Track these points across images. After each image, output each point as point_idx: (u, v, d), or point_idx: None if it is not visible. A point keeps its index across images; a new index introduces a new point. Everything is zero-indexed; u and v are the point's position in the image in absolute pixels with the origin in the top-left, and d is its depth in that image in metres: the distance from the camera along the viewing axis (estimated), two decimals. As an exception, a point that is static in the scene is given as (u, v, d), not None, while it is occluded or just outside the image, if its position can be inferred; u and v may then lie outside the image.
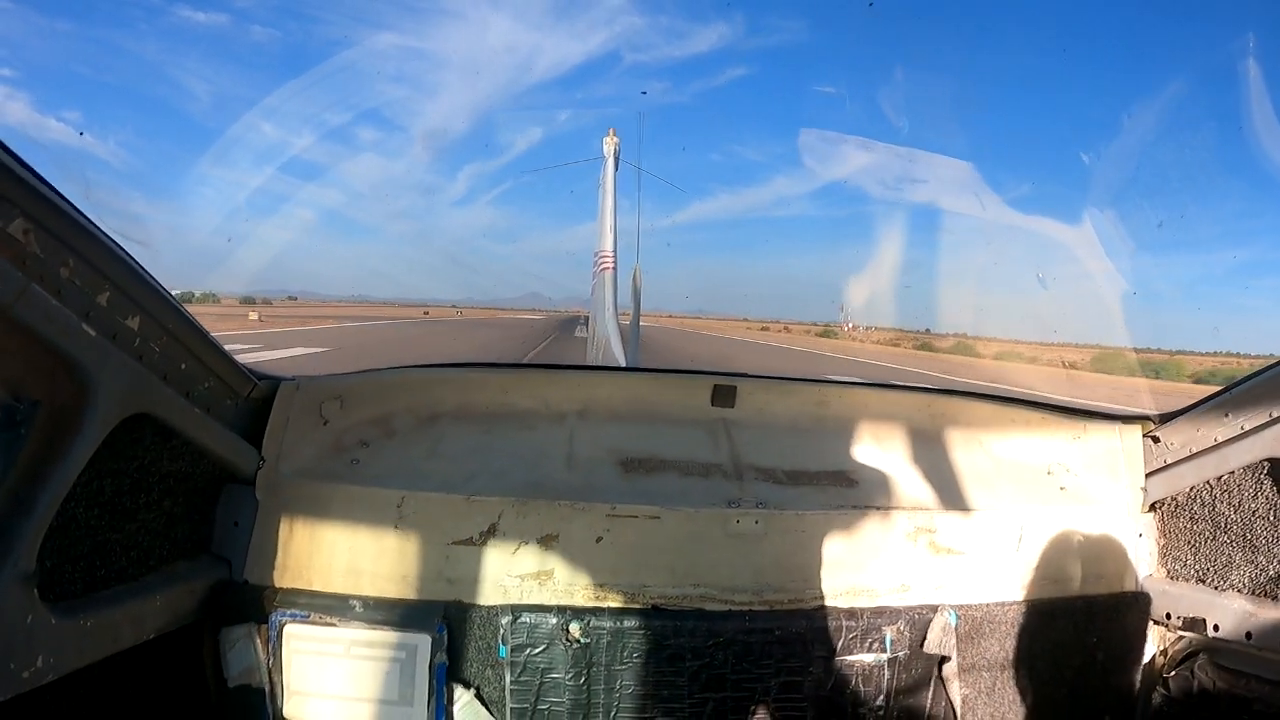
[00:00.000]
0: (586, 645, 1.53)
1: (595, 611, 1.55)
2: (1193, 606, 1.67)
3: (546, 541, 1.56)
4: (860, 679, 1.62)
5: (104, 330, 1.10)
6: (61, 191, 0.99)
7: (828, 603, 1.62)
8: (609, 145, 7.20)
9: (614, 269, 6.49)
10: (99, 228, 1.06)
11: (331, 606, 1.51)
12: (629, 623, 1.54)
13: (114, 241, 1.09)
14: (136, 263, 1.14)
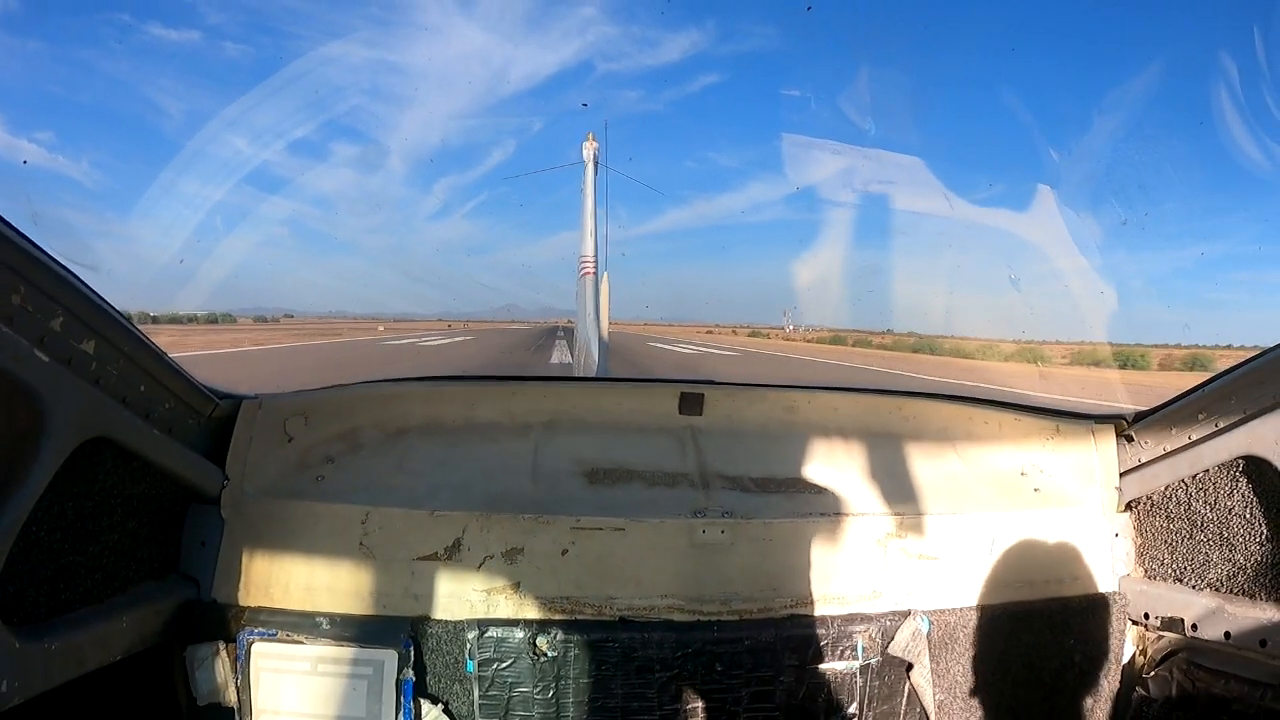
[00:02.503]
0: (554, 659, 1.53)
1: (562, 624, 1.55)
2: (1170, 606, 1.65)
3: (511, 555, 1.56)
4: (832, 687, 1.61)
5: (58, 355, 1.11)
6: (8, 219, 1.00)
7: (797, 611, 1.61)
8: (588, 150, 7.26)
9: (595, 274, 6.54)
10: (48, 254, 1.07)
11: (298, 624, 1.51)
12: (596, 635, 1.54)
13: (64, 267, 1.10)
14: (89, 287, 1.15)
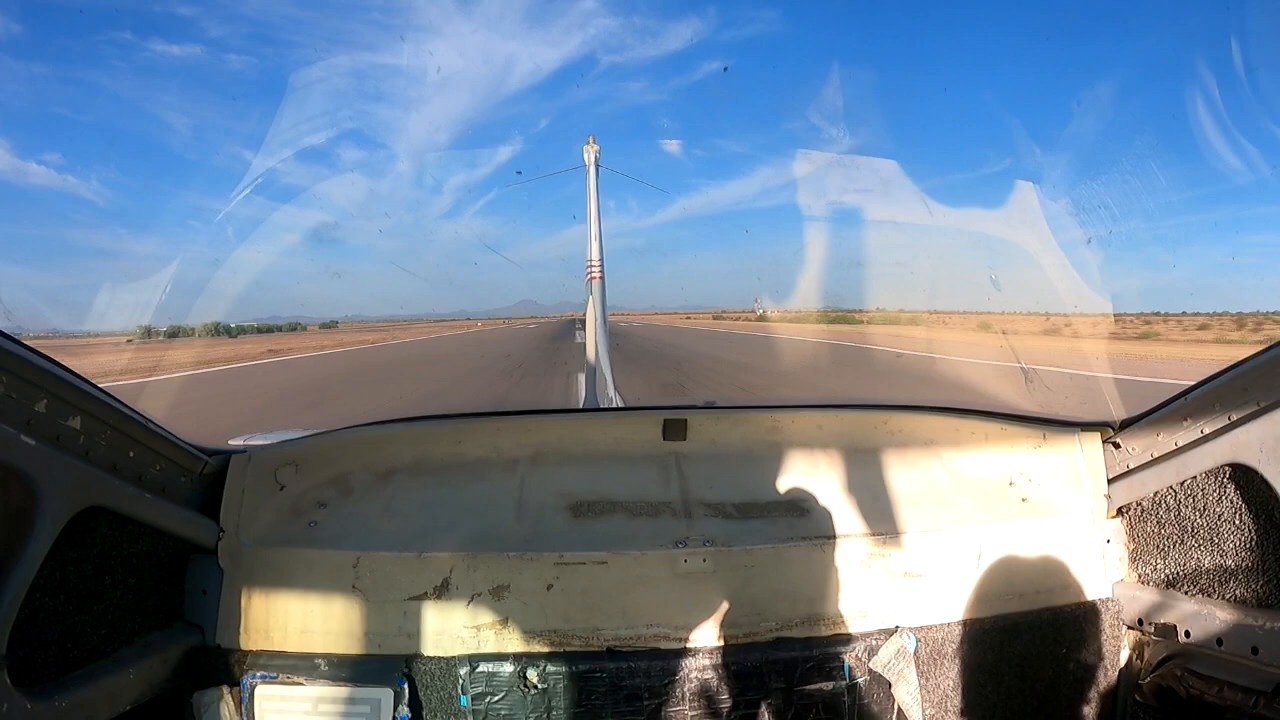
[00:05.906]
0: (544, 690, 1.57)
1: (551, 657, 1.59)
2: (1163, 612, 1.64)
3: (498, 592, 1.60)
4: (821, 707, 1.62)
5: (45, 436, 1.17)
6: None
7: (783, 634, 1.63)
8: (589, 153, 7.14)
9: (601, 278, 6.45)
10: (23, 343, 1.13)
11: (297, 666, 1.57)
12: (585, 666, 1.58)
13: (41, 354, 1.16)
14: (68, 369, 1.21)
